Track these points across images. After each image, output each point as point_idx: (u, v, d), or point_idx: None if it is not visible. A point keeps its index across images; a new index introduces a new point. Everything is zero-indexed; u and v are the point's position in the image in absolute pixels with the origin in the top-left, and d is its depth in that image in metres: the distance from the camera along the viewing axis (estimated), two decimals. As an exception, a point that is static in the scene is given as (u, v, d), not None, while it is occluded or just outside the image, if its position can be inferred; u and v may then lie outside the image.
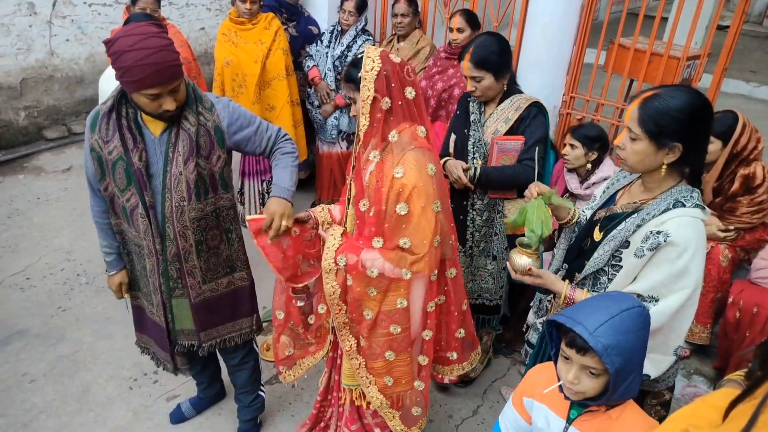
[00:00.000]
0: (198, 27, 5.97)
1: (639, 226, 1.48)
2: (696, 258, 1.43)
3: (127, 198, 1.83)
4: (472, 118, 2.41)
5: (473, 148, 2.37)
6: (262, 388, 2.50)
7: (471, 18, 3.32)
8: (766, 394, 0.82)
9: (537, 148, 2.25)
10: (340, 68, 3.78)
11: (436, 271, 1.84)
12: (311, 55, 3.90)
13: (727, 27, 2.79)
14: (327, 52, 3.82)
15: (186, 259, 1.93)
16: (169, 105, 1.69)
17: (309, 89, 3.92)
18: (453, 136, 2.48)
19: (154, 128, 1.81)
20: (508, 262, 1.75)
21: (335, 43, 3.81)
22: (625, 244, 1.51)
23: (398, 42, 3.78)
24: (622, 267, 1.53)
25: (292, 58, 3.76)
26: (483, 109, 2.43)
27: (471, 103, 2.43)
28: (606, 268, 1.58)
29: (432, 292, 1.87)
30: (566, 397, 1.38)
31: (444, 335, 2.10)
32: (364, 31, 3.80)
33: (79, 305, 3.20)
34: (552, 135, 3.19)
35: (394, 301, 1.81)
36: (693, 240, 1.42)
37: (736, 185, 2.59)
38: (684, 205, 1.45)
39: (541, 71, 3.36)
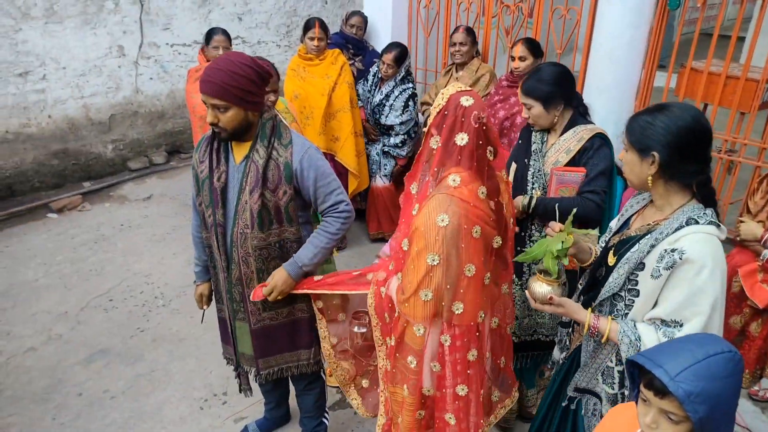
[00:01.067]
0: (268, 62, 6.29)
1: (653, 246, 1.46)
2: (714, 276, 1.39)
3: (209, 214, 1.98)
4: (533, 147, 2.37)
5: (533, 178, 2.34)
6: (326, 414, 2.53)
7: (533, 46, 3.32)
8: None
9: (599, 180, 2.18)
10: (378, 116, 3.90)
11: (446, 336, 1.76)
12: (359, 96, 4.02)
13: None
14: (368, 99, 3.94)
15: (248, 285, 2.02)
16: (210, 117, 1.82)
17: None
18: (514, 166, 2.46)
19: (237, 155, 1.94)
20: (527, 291, 1.70)
21: (375, 90, 3.91)
22: (640, 266, 1.49)
23: (457, 71, 3.83)
24: (639, 291, 1.51)
25: (358, 91, 3.90)
26: (545, 138, 2.37)
27: (534, 133, 2.39)
28: (622, 293, 1.55)
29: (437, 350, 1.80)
30: None
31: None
32: (403, 80, 3.83)
33: (155, 326, 3.38)
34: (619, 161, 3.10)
35: (411, 333, 1.79)
36: (710, 256, 1.38)
37: None
38: (698, 223, 1.43)
39: (607, 96, 3.29)
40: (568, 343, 1.87)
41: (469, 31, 3.68)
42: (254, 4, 5.96)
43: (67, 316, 3.45)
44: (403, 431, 1.94)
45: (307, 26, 3.75)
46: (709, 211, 1.46)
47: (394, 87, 3.81)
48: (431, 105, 3.76)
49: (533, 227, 2.36)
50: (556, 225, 1.72)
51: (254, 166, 1.90)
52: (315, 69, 3.61)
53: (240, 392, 2.38)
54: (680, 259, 1.38)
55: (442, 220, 1.63)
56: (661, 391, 1.18)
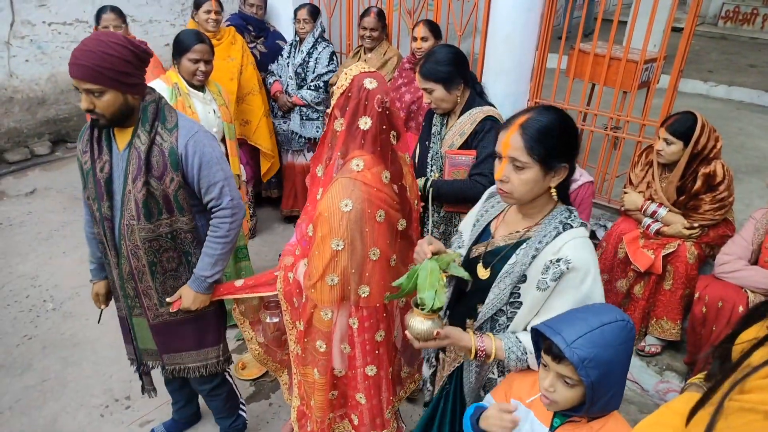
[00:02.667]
0: (163, 43, 5.89)
1: (534, 257, 1.40)
2: (597, 281, 1.38)
3: (96, 208, 1.85)
4: (433, 130, 2.40)
5: (431, 160, 2.38)
6: (242, 407, 2.46)
7: (433, 28, 3.36)
8: (721, 398, 0.81)
9: (488, 163, 2.19)
10: (303, 75, 3.83)
11: (354, 320, 1.77)
12: (272, 72, 3.95)
13: (682, 29, 2.88)
14: (288, 62, 3.85)
15: (140, 279, 1.91)
16: (84, 103, 1.68)
17: (273, 103, 3.93)
18: (418, 148, 2.50)
19: (120, 143, 1.80)
20: (406, 331, 1.46)
21: (295, 52, 3.86)
22: (522, 278, 1.42)
23: (365, 53, 3.80)
24: (521, 303, 1.44)
25: (262, 75, 3.77)
26: (446, 121, 2.39)
27: (435, 116, 2.42)
28: (504, 308, 1.47)
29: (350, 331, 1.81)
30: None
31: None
32: (322, 38, 3.86)
33: (45, 332, 3.10)
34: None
35: (319, 317, 1.79)
36: (591, 262, 1.36)
37: (698, 184, 2.66)
38: (572, 227, 1.40)
39: (505, 79, 3.41)
40: (435, 361, 1.84)
41: (380, 15, 3.65)
42: (143, -20, 5.55)
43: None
44: (317, 412, 1.93)
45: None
46: (575, 212, 1.44)
47: (315, 43, 3.81)
48: (337, 87, 3.74)
49: (432, 208, 2.40)
50: (424, 243, 1.46)
51: (136, 153, 1.76)
52: (216, 50, 3.41)
53: (143, 394, 2.25)
54: (567, 268, 1.34)
55: (346, 205, 1.62)
56: (558, 357, 1.24)
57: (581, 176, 2.87)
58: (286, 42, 4.05)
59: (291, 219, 4.26)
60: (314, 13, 3.80)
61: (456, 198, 2.31)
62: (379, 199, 1.67)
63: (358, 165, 1.65)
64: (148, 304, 1.95)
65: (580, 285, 1.36)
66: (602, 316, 1.26)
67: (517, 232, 1.48)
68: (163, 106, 1.82)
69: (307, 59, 3.80)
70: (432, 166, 2.36)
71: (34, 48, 4.92)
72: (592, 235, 3.34)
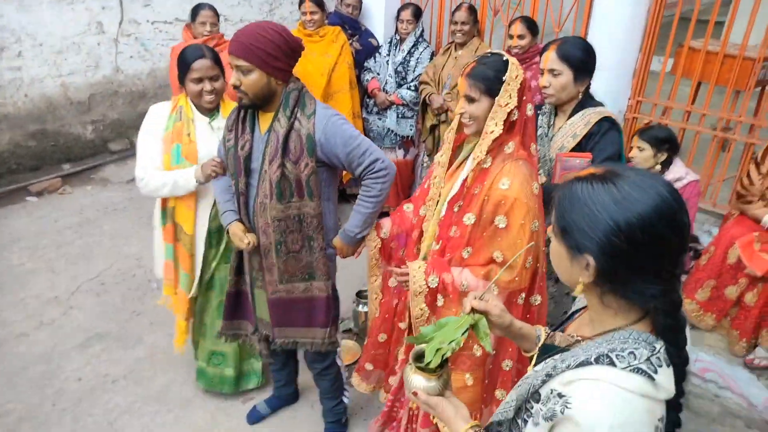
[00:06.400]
0: (251, 42, 6.15)
1: (549, 375, 0.97)
2: None
3: (233, 183, 2.00)
4: (539, 132, 2.28)
5: (538, 164, 2.32)
6: (346, 393, 2.53)
7: (531, 25, 3.33)
8: None
9: None
10: (403, 74, 3.89)
11: (523, 295, 1.80)
12: (369, 69, 4.00)
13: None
14: (387, 60, 3.90)
15: (266, 255, 2.02)
16: (233, 78, 1.81)
17: (368, 100, 4.00)
18: None
19: (263, 126, 1.93)
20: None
21: (395, 50, 3.92)
22: (536, 396, 0.99)
23: (456, 50, 3.81)
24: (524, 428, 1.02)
25: (356, 73, 3.85)
26: (552, 122, 2.31)
27: (540, 117, 2.32)
28: (519, 421, 1.03)
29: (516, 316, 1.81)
30: None
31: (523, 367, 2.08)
32: (422, 38, 3.90)
33: (152, 310, 3.29)
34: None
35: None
36: (606, 426, 0.85)
37: None
38: (614, 365, 0.90)
39: (606, 76, 3.30)
40: None
41: (472, 10, 3.66)
42: (237, -19, 5.79)
43: (57, 300, 3.33)
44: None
45: (300, 0, 3.68)
46: (656, 345, 0.93)
47: (416, 43, 3.88)
48: (429, 84, 3.76)
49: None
50: (474, 302, 1.18)
51: (275, 136, 1.87)
52: (315, 46, 3.53)
53: (263, 359, 2.43)
54: (561, 413, 0.90)
55: (536, 188, 1.71)
56: None
57: (687, 174, 2.77)
58: (377, 41, 4.13)
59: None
60: (417, 14, 3.89)
61: None
62: (536, 173, 1.79)
63: (509, 147, 1.71)
64: (269, 279, 2.05)
65: None
66: None
67: (573, 336, 1.09)
68: (304, 93, 1.91)
69: (408, 58, 3.86)
70: (539, 171, 2.30)
71: (138, 45, 5.24)
72: (695, 240, 3.19)
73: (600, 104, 2.27)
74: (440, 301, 1.81)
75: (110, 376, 2.81)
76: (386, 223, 2.09)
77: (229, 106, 2.32)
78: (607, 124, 2.15)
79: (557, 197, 1.00)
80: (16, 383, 2.73)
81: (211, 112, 2.31)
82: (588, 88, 2.26)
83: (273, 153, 1.86)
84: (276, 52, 1.77)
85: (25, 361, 2.87)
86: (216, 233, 2.40)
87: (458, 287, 1.76)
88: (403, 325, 2.12)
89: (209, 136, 2.29)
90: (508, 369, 1.89)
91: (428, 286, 1.79)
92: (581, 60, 2.14)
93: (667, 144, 2.72)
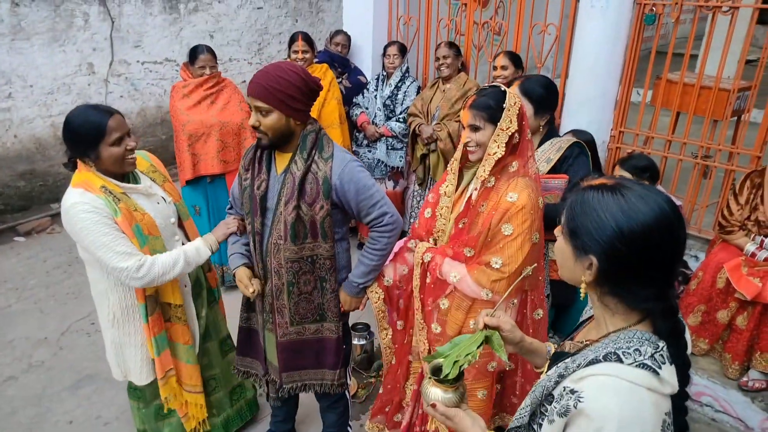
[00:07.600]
0: (240, 80, 6.25)
1: (562, 376, 1.03)
2: None
3: (249, 222, 1.99)
4: None
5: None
6: (350, 427, 2.50)
7: (514, 57, 3.47)
8: None
9: None
10: (391, 107, 4.03)
11: (525, 311, 1.92)
12: (358, 104, 4.12)
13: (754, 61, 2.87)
14: (376, 95, 4.04)
15: (277, 296, 2.00)
16: (252, 119, 1.83)
17: (357, 133, 4.10)
18: None
19: (279, 166, 1.95)
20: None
21: (383, 85, 4.06)
22: (549, 398, 1.04)
23: (444, 84, 3.93)
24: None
25: (346, 109, 3.96)
26: None
27: None
28: (534, 426, 1.07)
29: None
30: None
31: (520, 377, 2.12)
32: (408, 72, 4.08)
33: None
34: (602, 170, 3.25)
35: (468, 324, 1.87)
36: (616, 417, 0.92)
37: None
38: (621, 361, 0.97)
39: (589, 108, 3.44)
40: None
41: (452, 45, 3.81)
42: (225, 22, 5.93)
43: (47, 341, 3.27)
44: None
45: (292, 40, 3.82)
46: (659, 344, 1.00)
47: (402, 78, 4.04)
48: (418, 116, 3.85)
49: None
50: (488, 319, 1.26)
51: (291, 178, 1.89)
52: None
53: (267, 401, 2.36)
54: (574, 407, 0.96)
55: (541, 203, 1.80)
56: None
57: (671, 202, 2.85)
58: (365, 78, 4.26)
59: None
60: (403, 50, 4.06)
61: (549, 222, 2.36)
62: (540, 190, 1.88)
63: (513, 166, 1.81)
64: (279, 321, 2.04)
65: None
66: None
67: (582, 342, 1.14)
68: (322, 136, 1.93)
69: (395, 92, 4.00)
70: None
71: (128, 85, 5.31)
72: (683, 265, 3.25)
73: (560, 135, 2.52)
74: (428, 278, 1.95)
75: (102, 418, 2.75)
76: (388, 270, 2.13)
77: (139, 160, 2.05)
78: (577, 148, 2.40)
79: (569, 201, 1.08)
80: (5, 428, 2.65)
81: (126, 174, 1.99)
82: (550, 121, 2.46)
83: (289, 194, 1.87)
84: (296, 93, 1.79)
85: (14, 405, 2.79)
86: (196, 283, 2.26)
87: (442, 271, 1.89)
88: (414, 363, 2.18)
89: (151, 203, 2.03)
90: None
91: (422, 261, 1.96)
92: (539, 95, 2.34)
93: (647, 172, 2.80)
